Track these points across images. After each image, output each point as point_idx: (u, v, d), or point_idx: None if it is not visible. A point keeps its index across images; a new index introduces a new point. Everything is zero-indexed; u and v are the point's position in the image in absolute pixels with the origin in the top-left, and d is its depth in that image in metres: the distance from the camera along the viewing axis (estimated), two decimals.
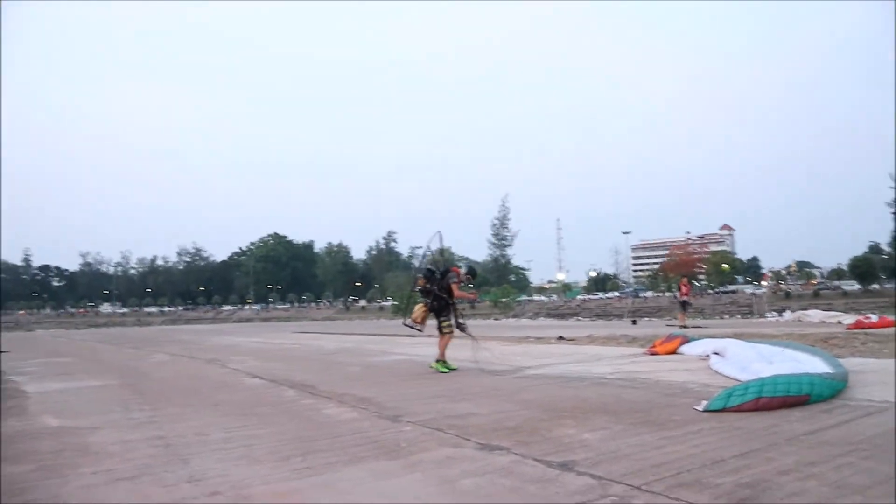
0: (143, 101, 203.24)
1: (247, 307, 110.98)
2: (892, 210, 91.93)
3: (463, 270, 8.81)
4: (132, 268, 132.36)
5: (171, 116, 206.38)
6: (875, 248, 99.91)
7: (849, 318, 19.00)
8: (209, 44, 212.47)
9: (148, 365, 12.19)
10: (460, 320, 8.75)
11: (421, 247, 9.07)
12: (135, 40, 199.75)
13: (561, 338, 15.12)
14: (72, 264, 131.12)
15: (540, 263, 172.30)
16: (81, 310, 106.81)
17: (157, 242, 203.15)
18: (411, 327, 9.09)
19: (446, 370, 8.47)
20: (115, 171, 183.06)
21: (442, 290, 8.52)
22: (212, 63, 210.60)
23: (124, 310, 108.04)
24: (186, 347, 17.26)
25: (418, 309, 8.89)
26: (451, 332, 8.66)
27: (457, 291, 8.50)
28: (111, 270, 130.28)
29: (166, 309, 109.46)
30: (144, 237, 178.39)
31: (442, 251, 9.29)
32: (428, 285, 8.66)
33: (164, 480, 3.47)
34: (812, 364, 6.31)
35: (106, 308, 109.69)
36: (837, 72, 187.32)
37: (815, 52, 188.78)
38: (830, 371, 5.91)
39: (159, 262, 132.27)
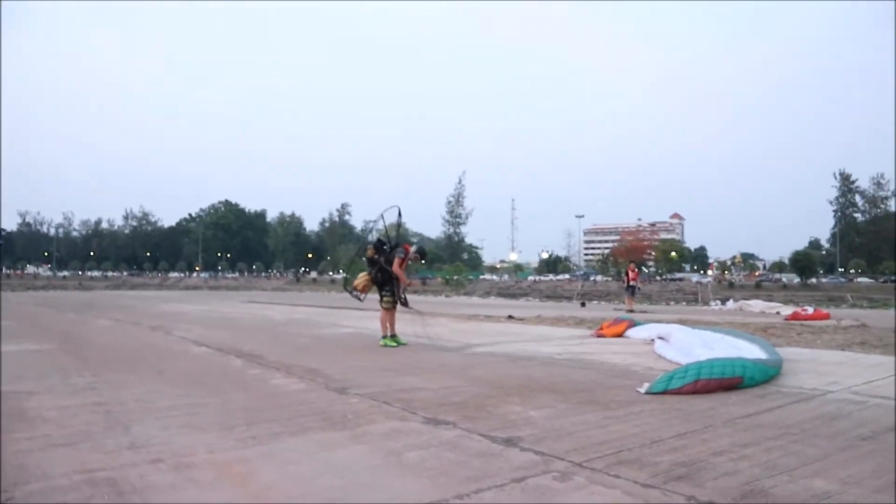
0: (91, 50, 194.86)
1: (195, 275, 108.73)
2: (834, 208, 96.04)
3: (413, 249, 8.78)
4: (74, 230, 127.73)
5: (127, 69, 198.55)
6: (815, 244, 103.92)
7: (787, 310, 19.68)
8: None
9: (90, 330, 11.88)
10: (403, 295, 8.75)
11: (375, 220, 8.99)
12: None
13: (511, 317, 15.30)
14: (9, 223, 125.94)
15: (493, 243, 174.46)
16: (18, 272, 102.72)
17: (103, 204, 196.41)
18: (352, 295, 9.07)
19: (395, 345, 8.48)
20: (58, 127, 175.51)
21: (388, 264, 8.51)
22: (160, 18, 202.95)
23: (65, 273, 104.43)
24: (131, 314, 16.87)
25: (362, 277, 8.86)
26: (391, 307, 8.64)
27: (396, 267, 8.44)
28: (52, 232, 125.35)
29: (110, 274, 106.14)
30: (89, 198, 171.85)
31: (398, 226, 9.26)
32: (376, 256, 8.63)
33: (103, 447, 3.40)
34: (750, 351, 6.55)
35: (41, 271, 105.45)
36: (788, 72, 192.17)
37: (769, 52, 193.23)
38: (765, 357, 6.15)
39: (104, 225, 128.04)
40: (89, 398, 4.84)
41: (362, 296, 9.04)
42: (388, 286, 8.61)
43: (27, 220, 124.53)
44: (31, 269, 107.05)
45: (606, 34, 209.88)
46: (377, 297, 8.81)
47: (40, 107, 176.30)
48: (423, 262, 9.17)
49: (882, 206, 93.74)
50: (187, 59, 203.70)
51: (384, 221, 8.88)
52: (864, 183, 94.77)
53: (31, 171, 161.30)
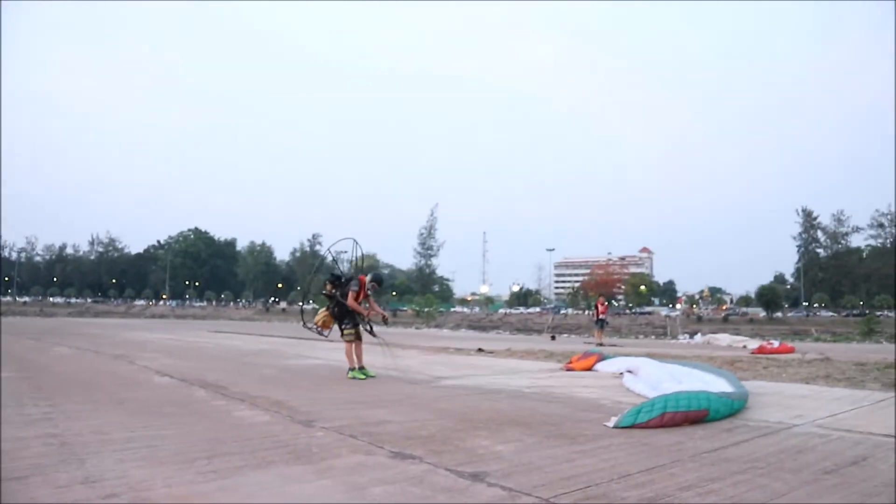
0: (58, 70, 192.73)
1: (161, 303, 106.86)
2: (798, 243, 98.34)
3: (368, 278, 8.69)
4: (38, 255, 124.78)
5: (95, 91, 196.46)
6: (780, 278, 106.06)
7: (753, 343, 19.95)
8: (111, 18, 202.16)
9: (48, 358, 11.55)
10: (367, 326, 8.67)
11: (345, 251, 8.95)
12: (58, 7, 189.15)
13: (481, 350, 15.24)
14: None
15: (464, 275, 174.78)
16: None
17: (68, 230, 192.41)
18: (313, 331, 8.98)
19: (363, 377, 8.38)
20: (22, 149, 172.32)
21: (343, 297, 8.46)
22: (131, 44, 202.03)
23: (26, 299, 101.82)
24: (93, 341, 16.47)
25: (321, 313, 8.80)
26: (353, 339, 8.55)
27: (351, 301, 8.37)
28: (13, 256, 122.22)
29: (74, 301, 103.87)
30: (54, 223, 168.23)
31: (362, 258, 9.23)
32: (333, 290, 8.59)
33: (55, 481, 3.27)
34: (717, 385, 6.59)
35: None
36: (753, 111, 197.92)
37: (734, 89, 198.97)
38: (731, 391, 6.21)
39: (69, 250, 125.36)
40: (44, 429, 4.67)
41: (325, 331, 8.96)
42: (346, 319, 8.54)
43: None
44: None
45: (575, 68, 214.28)
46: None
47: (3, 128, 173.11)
48: (388, 288, 9.11)
49: (843, 241, 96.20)
50: (157, 82, 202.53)
51: (333, 257, 8.87)
52: (825, 219, 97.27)
53: None
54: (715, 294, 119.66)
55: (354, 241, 8.87)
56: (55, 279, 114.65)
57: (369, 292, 8.67)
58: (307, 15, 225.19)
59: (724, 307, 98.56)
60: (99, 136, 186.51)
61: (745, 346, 19.54)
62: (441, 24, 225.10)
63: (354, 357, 8.55)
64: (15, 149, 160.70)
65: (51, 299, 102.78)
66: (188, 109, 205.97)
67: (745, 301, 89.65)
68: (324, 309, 8.80)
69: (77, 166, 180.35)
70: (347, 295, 8.38)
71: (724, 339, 23.95)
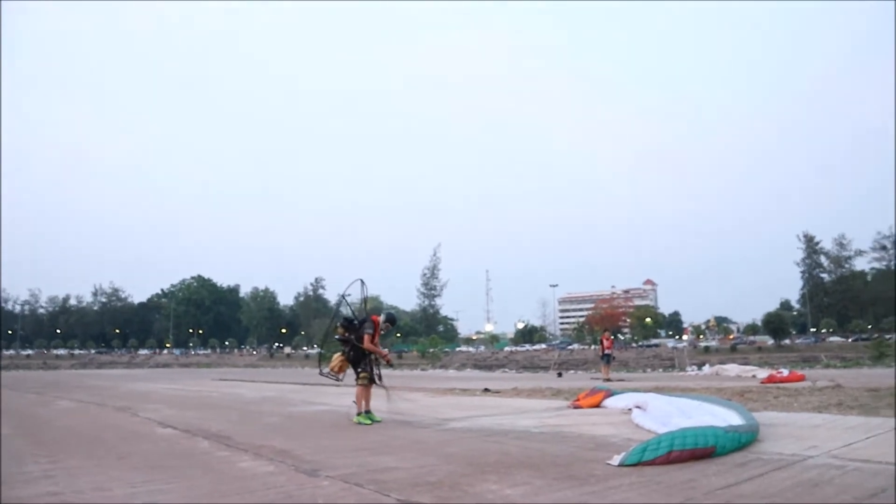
0: (59, 122, 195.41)
1: (165, 352, 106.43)
2: (801, 269, 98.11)
3: (382, 318, 8.66)
4: (41, 307, 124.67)
5: (97, 143, 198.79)
6: (786, 305, 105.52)
7: (763, 373, 19.74)
8: (109, 62, 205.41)
9: (51, 412, 11.45)
10: (376, 371, 8.60)
11: (349, 294, 8.93)
12: (36, 49, 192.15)
13: (487, 390, 15.09)
14: None
15: (468, 314, 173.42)
16: None
17: (72, 281, 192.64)
18: (329, 377, 8.90)
19: (369, 422, 8.27)
20: (26, 201, 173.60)
21: (359, 340, 8.41)
22: (131, 90, 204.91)
23: (29, 352, 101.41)
24: (96, 394, 16.34)
25: (336, 358, 8.71)
26: (368, 384, 8.48)
27: (367, 343, 8.32)
28: (17, 309, 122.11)
29: (77, 352, 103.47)
30: (57, 274, 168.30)
31: (365, 300, 9.20)
32: (347, 334, 8.53)
33: None
34: (727, 418, 6.49)
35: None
36: (754, 140, 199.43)
37: (734, 122, 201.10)
38: (741, 423, 6.11)
39: (72, 301, 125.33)
40: (44, 487, 4.59)
41: (340, 376, 8.88)
42: (362, 363, 8.48)
43: None
44: None
45: (578, 104, 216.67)
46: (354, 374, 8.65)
47: (4, 180, 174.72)
48: (394, 329, 9.04)
49: (846, 265, 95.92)
50: (157, 133, 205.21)
51: (345, 300, 8.84)
52: (827, 244, 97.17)
53: None
54: (721, 323, 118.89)
55: (361, 281, 8.85)
56: (58, 331, 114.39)
57: (382, 332, 8.64)
58: (302, 61, 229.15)
59: (731, 336, 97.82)
60: (100, 185, 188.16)
61: (754, 376, 19.33)
62: (436, 65, 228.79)
63: (363, 401, 8.47)
64: (17, 200, 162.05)
65: (54, 352, 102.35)
66: (189, 159, 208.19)
67: (752, 329, 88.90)
68: (339, 354, 8.72)
69: (79, 217, 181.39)
70: (363, 338, 8.34)
71: (732, 369, 23.72)
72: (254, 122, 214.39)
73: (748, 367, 24.01)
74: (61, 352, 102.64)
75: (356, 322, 8.55)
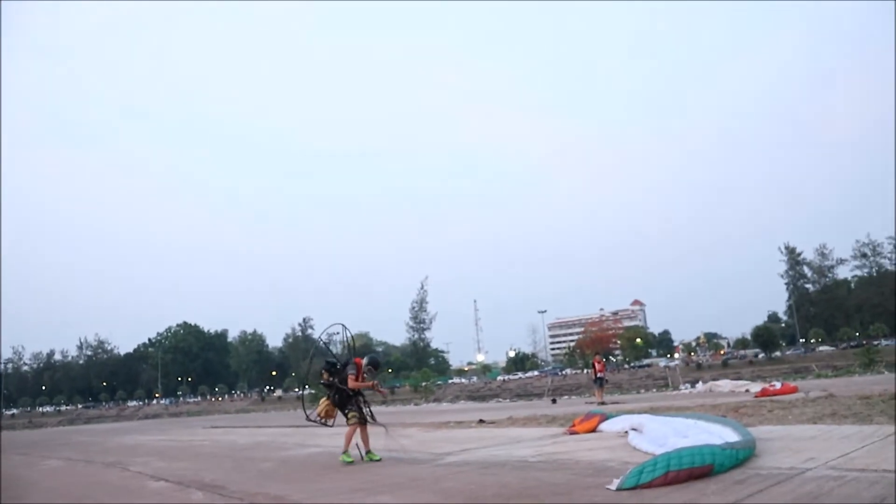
0: (33, 175, 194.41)
1: (154, 402, 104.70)
2: (786, 281, 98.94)
3: (364, 361, 8.60)
4: (25, 364, 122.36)
5: (77, 195, 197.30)
6: (773, 317, 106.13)
7: (756, 387, 19.77)
8: (106, 115, 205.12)
9: (36, 473, 11.17)
10: (366, 409, 8.53)
11: (337, 333, 8.91)
12: (29, 106, 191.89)
13: (482, 421, 14.96)
14: None
15: (459, 345, 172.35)
16: None
17: (56, 335, 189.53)
18: (316, 422, 8.84)
19: (351, 460, 8.22)
20: (3, 256, 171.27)
21: (343, 383, 8.36)
22: (110, 137, 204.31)
23: (14, 411, 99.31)
24: (84, 450, 15.99)
25: (322, 403, 8.69)
26: (357, 423, 8.40)
27: (352, 383, 8.27)
28: (0, 368, 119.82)
29: (64, 408, 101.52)
30: (40, 330, 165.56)
31: (349, 344, 9.18)
32: (331, 378, 8.50)
33: None
34: (723, 434, 6.48)
35: None
36: (736, 154, 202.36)
37: (709, 137, 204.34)
38: (737, 439, 6.10)
39: (57, 356, 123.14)
40: None
41: (330, 421, 8.83)
42: (348, 405, 8.43)
43: None
44: None
45: (559, 132, 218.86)
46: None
47: None
48: (376, 372, 8.91)
49: (829, 275, 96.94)
50: (140, 181, 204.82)
51: (324, 344, 8.83)
52: (809, 254, 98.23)
53: None
54: (711, 339, 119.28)
55: (343, 325, 8.84)
56: (44, 388, 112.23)
57: (366, 375, 8.56)
58: (282, 110, 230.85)
59: (721, 352, 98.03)
60: (80, 237, 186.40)
61: (747, 391, 19.36)
62: (420, 101, 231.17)
63: (355, 441, 8.39)
64: None
65: (40, 409, 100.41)
66: (169, 205, 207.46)
67: (742, 343, 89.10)
68: (324, 399, 8.68)
69: (61, 270, 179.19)
70: (347, 380, 8.29)
71: (725, 385, 23.75)
72: (234, 163, 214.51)
73: (741, 382, 24.06)
74: (48, 409, 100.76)
75: (339, 365, 8.54)
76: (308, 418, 9.01)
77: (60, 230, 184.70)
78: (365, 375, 8.51)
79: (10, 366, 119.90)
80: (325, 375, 8.55)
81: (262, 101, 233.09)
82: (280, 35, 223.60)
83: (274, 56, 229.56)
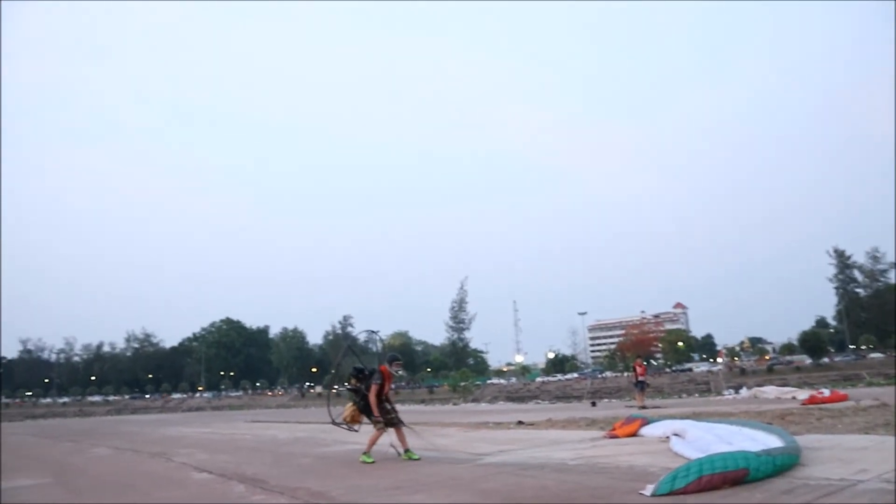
0: (85, 173, 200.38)
1: (198, 395, 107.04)
2: (835, 285, 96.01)
3: (386, 364, 8.66)
4: (76, 354, 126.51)
5: (120, 194, 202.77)
6: (822, 322, 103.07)
7: (803, 394, 19.23)
8: (149, 112, 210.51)
9: (86, 460, 11.53)
10: (391, 415, 8.54)
11: (377, 331, 8.96)
12: (67, 106, 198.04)
13: (520, 422, 14.88)
14: (10, 351, 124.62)
15: (498, 346, 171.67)
16: (18, 400, 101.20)
17: (105, 328, 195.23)
18: (342, 427, 8.94)
19: (371, 461, 8.25)
20: (59, 252, 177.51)
21: (367, 390, 8.43)
22: (159, 136, 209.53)
23: (65, 399, 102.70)
24: (131, 440, 16.43)
25: (348, 409, 8.79)
26: (382, 429, 8.45)
27: (372, 397, 8.30)
28: (53, 357, 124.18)
29: (111, 398, 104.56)
30: (91, 322, 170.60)
31: (380, 350, 9.24)
32: (358, 385, 8.59)
33: None
34: (767, 442, 6.32)
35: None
36: (783, 156, 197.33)
37: (760, 136, 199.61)
38: (778, 447, 5.93)
39: (106, 348, 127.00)
40: None
41: (355, 426, 8.93)
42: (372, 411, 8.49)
43: (28, 346, 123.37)
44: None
45: (603, 130, 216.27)
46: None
47: (40, 231, 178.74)
48: (401, 366, 8.94)
49: (881, 279, 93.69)
50: (185, 176, 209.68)
51: (351, 349, 8.88)
52: (859, 257, 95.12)
53: (32, 296, 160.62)
54: (756, 344, 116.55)
55: (371, 332, 8.90)
56: (93, 378, 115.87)
57: (397, 373, 8.63)
58: (329, 101, 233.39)
59: (766, 357, 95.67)
60: (132, 234, 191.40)
61: (794, 398, 18.85)
62: (465, 99, 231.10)
63: (388, 441, 8.48)
64: (49, 250, 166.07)
65: (89, 399, 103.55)
66: (216, 200, 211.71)
67: (788, 349, 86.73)
68: (350, 404, 8.80)
69: (111, 266, 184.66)
70: (371, 388, 8.36)
71: (771, 391, 23.16)
72: (279, 160, 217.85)
73: (787, 389, 23.41)
74: (96, 398, 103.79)
75: (366, 372, 8.63)
76: (334, 422, 9.12)
77: (113, 228, 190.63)
78: (395, 373, 8.60)
79: (62, 356, 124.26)
80: (354, 381, 8.68)
81: (308, 98, 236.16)
82: (340, 37, 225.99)
83: (321, 55, 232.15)
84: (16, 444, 17.55)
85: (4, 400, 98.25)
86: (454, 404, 41.80)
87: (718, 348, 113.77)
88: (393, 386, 8.78)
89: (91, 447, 14.73)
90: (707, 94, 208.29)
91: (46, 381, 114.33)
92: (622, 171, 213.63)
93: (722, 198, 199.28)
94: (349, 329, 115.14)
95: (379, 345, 9.08)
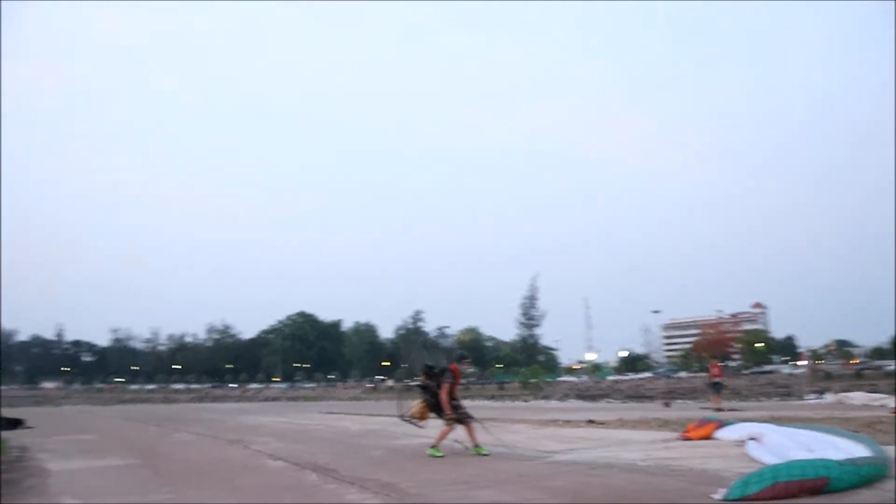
0: (178, 168, 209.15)
1: (273, 385, 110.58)
2: None
3: (455, 359, 8.81)
4: (161, 344, 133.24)
5: (210, 192, 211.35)
6: None
7: (893, 401, 18.22)
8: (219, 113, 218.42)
9: (171, 444, 12.12)
10: (458, 413, 8.62)
11: (448, 326, 9.06)
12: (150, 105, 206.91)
13: (591, 421, 14.70)
14: (102, 340, 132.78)
15: (569, 343, 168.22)
16: (109, 385, 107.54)
17: (188, 319, 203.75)
18: (409, 422, 9.09)
19: (440, 455, 8.38)
20: (149, 248, 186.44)
21: (439, 388, 8.51)
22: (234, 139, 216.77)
23: (152, 386, 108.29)
24: (211, 427, 17.14)
25: (417, 405, 8.89)
26: (452, 426, 8.56)
27: (443, 395, 8.40)
28: (141, 346, 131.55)
29: (193, 386, 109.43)
30: (176, 313, 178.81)
31: (458, 343, 9.31)
32: (428, 381, 8.68)
33: None
34: (852, 451, 6.03)
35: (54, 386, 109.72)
36: (869, 147, 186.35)
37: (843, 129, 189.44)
38: (863, 456, 5.65)
39: (188, 338, 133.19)
40: None
41: (421, 423, 9.07)
42: (443, 409, 8.60)
43: (118, 335, 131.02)
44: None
45: (676, 129, 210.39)
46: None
47: (129, 230, 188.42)
48: (470, 361, 9.04)
49: None
50: (261, 174, 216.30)
51: (418, 344, 8.96)
52: None
53: (122, 288, 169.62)
54: (842, 347, 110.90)
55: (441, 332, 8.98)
56: (177, 366, 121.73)
57: (465, 370, 8.73)
58: (399, 105, 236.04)
59: (854, 361, 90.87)
60: (213, 234, 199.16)
61: (883, 405, 17.87)
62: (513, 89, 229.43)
63: (454, 436, 8.61)
64: (136, 249, 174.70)
65: (173, 386, 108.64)
66: (292, 199, 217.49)
67: (878, 353, 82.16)
68: (419, 400, 8.91)
69: (193, 259, 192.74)
70: (442, 387, 8.46)
71: (858, 397, 22.02)
72: (350, 157, 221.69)
73: (877, 395, 22.17)
74: (179, 386, 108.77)
75: (436, 370, 8.72)
76: (402, 417, 9.26)
77: (197, 227, 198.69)
78: (465, 369, 8.74)
79: (148, 345, 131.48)
80: (424, 378, 8.79)
81: (378, 100, 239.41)
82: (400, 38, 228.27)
83: (386, 59, 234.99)
84: (107, 427, 18.65)
85: (98, 385, 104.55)
86: (524, 401, 41.53)
87: (801, 350, 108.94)
88: (463, 381, 8.89)
89: (174, 432, 15.46)
90: (778, 88, 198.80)
91: (135, 368, 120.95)
92: (700, 167, 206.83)
93: (808, 193, 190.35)
94: (420, 324, 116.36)
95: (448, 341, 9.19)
